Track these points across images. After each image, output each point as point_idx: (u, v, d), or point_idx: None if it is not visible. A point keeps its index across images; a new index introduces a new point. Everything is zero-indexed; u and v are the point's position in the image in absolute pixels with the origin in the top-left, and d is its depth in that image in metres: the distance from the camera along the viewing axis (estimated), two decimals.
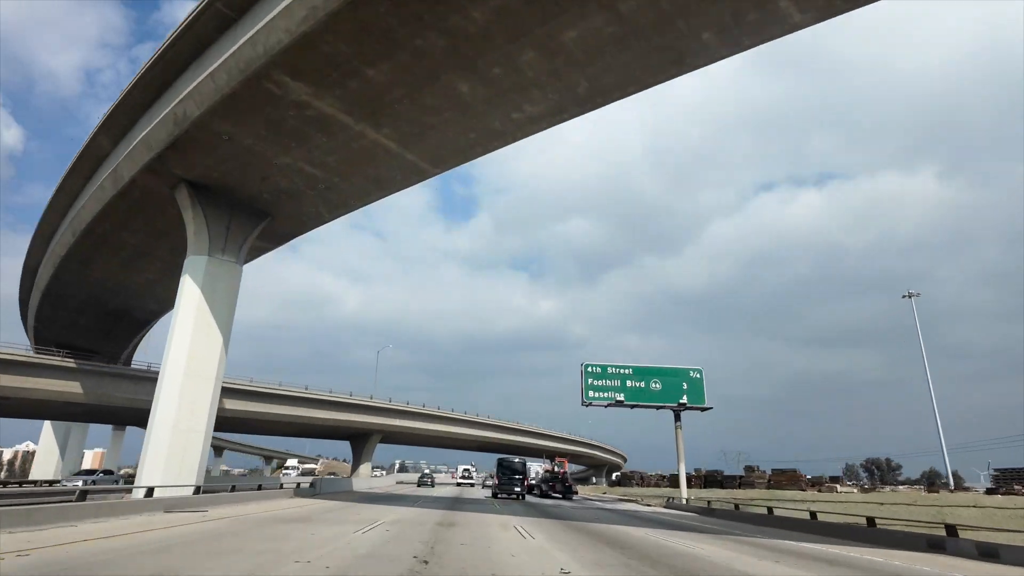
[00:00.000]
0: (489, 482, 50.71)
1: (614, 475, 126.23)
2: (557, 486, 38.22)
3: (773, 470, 62.98)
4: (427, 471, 74.10)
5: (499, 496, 33.17)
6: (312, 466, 71.55)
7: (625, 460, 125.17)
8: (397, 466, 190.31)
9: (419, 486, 52.50)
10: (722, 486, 64.46)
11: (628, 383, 32.32)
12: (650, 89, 17.10)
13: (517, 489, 33.47)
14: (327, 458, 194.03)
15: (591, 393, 32.00)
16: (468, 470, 68.56)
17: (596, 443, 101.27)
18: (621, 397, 31.73)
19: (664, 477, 79.65)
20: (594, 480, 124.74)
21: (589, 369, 32.55)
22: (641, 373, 32.69)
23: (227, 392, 45.86)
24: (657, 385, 32.41)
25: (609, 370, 32.66)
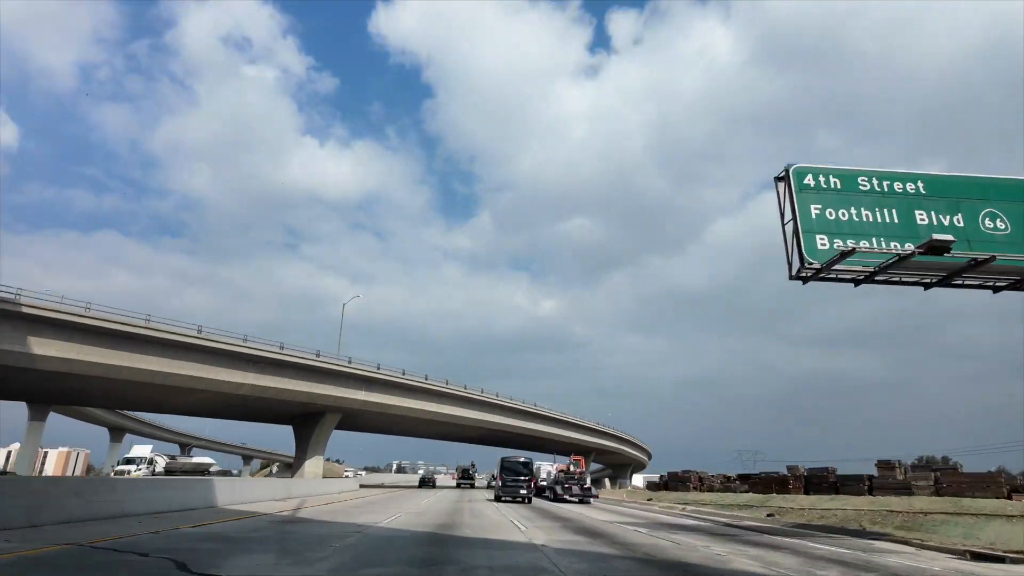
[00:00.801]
0: (494, 484, 42.87)
1: (640, 476, 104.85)
2: (574, 488, 32.23)
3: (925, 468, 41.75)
4: (421, 472, 75.19)
5: (503, 499, 28.98)
6: (205, 460, 48.83)
7: (650, 457, 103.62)
8: (395, 467, 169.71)
9: (420, 487, 53.48)
10: (837, 491, 43.37)
11: (919, 216, 11.12)
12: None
13: (523, 492, 28.93)
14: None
15: (822, 241, 10.79)
16: (468, 470, 62.96)
17: (626, 436, 79.93)
18: (910, 248, 10.38)
19: (729, 479, 58.46)
20: (609, 483, 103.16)
21: (808, 182, 11.39)
22: (947, 191, 11.51)
23: (38, 325, 24.66)
24: (999, 223, 11.16)
25: (862, 184, 11.47)
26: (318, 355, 34.60)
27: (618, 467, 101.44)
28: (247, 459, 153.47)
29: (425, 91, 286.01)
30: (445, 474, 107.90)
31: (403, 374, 40.06)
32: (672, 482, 61.08)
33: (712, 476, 58.51)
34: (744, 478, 54.41)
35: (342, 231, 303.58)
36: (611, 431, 72.92)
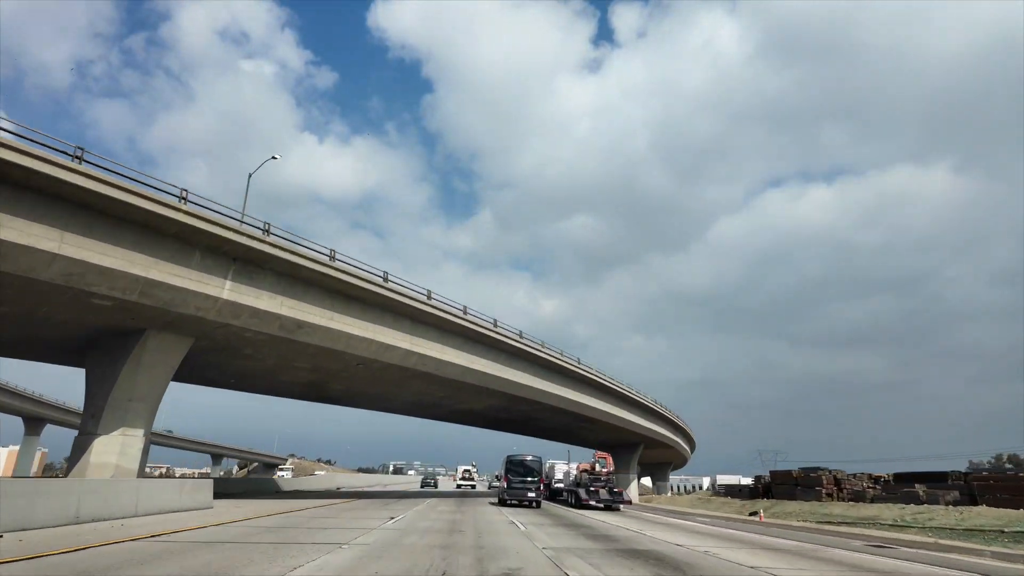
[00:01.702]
0: (497, 486, 37.28)
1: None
2: (601, 492, 25.90)
3: None
4: (412, 472, 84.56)
5: (509, 503, 24.90)
6: None
7: (692, 451, 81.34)
8: (392, 468, 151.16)
9: (422, 487, 55.47)
10: None
11: None
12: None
13: (531, 494, 24.82)
14: (299, 457, 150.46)
15: None
16: (468, 471, 60.63)
17: (682, 423, 57.88)
18: None
19: (879, 480, 37.06)
20: (635, 483, 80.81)
21: None
22: None
23: None
24: None
25: None
26: (79, 159, 12.93)
27: (654, 466, 79.34)
28: (217, 458, 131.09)
29: (425, 86, 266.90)
30: (444, 475, 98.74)
31: (333, 258, 18.29)
32: (781, 486, 39.34)
33: (853, 477, 36.59)
34: (933, 479, 32.77)
35: (342, 230, 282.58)
36: (669, 414, 51.05)
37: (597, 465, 32.39)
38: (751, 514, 34.70)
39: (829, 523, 27.68)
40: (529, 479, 25.13)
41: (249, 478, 64.59)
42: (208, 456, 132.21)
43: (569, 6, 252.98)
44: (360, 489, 43.83)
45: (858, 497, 34.09)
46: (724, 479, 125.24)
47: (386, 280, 20.08)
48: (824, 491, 34.94)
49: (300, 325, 17.83)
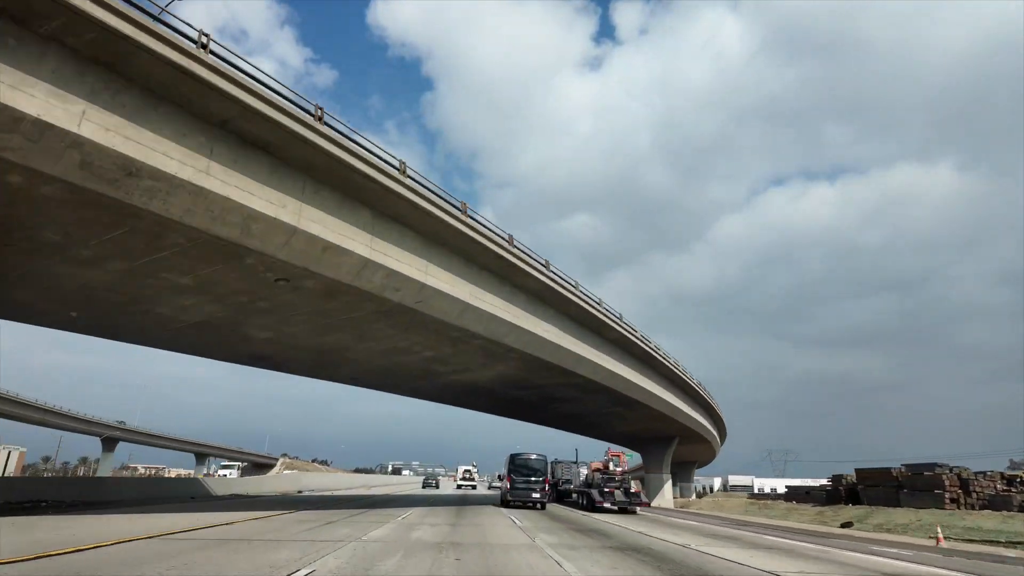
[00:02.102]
0: (497, 486, 35.97)
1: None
2: (617, 493, 23.91)
3: None
4: (407, 472, 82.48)
5: (512, 504, 23.84)
6: None
7: (722, 442, 71.50)
8: (390, 468, 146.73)
9: (424, 488, 54.18)
10: None
11: None
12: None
13: (536, 495, 23.77)
14: (292, 457, 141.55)
15: None
16: (469, 471, 59.44)
17: (719, 410, 48.60)
18: None
19: (1014, 482, 28.17)
20: (669, 485, 71.43)
21: None
22: None
23: None
24: None
25: None
26: None
27: (676, 464, 69.83)
28: (201, 457, 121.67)
29: (425, 84, 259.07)
30: (444, 476, 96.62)
31: (205, 47, 9.34)
32: (873, 488, 30.13)
33: (982, 477, 27.23)
34: None
35: None
36: (710, 399, 41.89)
37: (611, 464, 30.72)
38: (843, 525, 26.18)
39: (992, 542, 18.79)
40: (533, 479, 24.22)
41: (156, 479, 57.08)
42: (192, 455, 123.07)
43: (570, 3, 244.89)
44: (333, 493, 34.71)
45: (995, 504, 25.08)
46: (736, 479, 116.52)
47: (320, 119, 10.97)
48: (947, 495, 25.89)
49: (132, 171, 8.74)
